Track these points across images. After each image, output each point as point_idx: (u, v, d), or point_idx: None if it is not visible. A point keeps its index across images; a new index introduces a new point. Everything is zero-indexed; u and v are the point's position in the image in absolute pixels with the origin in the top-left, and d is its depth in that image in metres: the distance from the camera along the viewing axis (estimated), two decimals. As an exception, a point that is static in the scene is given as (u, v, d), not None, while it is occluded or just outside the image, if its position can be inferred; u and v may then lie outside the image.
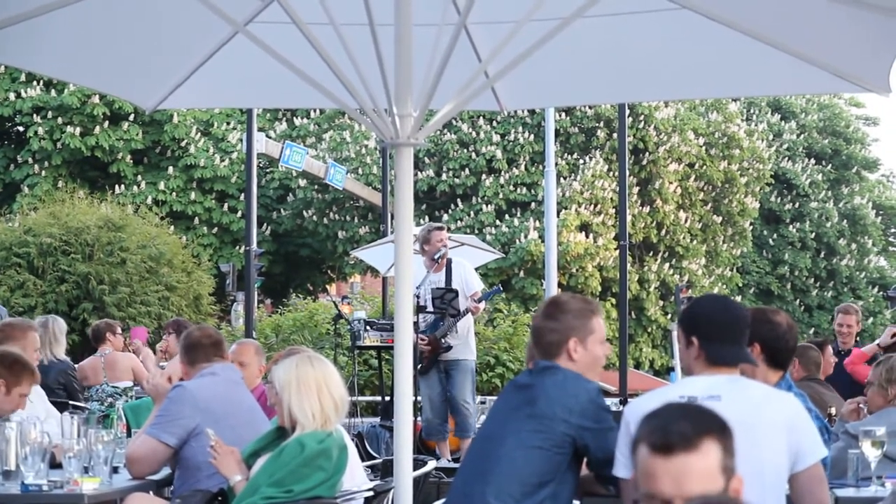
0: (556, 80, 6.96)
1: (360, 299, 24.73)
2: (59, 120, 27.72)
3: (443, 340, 11.88)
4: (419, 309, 11.69)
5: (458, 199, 29.42)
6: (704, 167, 30.86)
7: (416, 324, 11.44)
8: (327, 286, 33.83)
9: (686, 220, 30.62)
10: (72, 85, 26.55)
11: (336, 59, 5.55)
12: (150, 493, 6.38)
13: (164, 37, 6.53)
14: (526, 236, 28.05)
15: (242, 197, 25.37)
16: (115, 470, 6.15)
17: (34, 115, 27.84)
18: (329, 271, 33.30)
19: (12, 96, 27.76)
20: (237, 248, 28.16)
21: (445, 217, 28.14)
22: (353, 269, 30.52)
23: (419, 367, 11.99)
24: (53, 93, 27.71)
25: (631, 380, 18.93)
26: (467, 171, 29.37)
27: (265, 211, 29.77)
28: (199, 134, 29.07)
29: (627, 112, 21.41)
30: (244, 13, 6.17)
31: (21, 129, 28.93)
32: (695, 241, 30.97)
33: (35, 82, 27.70)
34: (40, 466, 5.77)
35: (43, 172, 28.09)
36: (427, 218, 27.73)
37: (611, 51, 6.64)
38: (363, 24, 5.54)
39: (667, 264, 30.29)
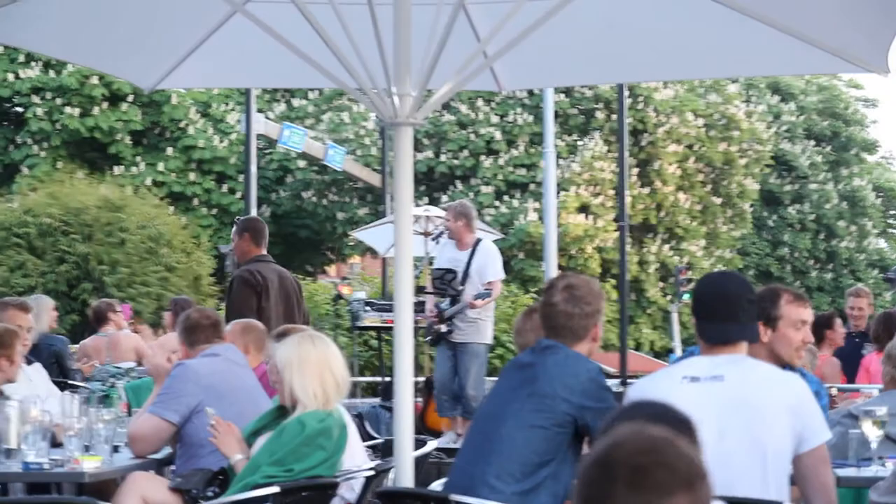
0: (555, 61, 6.95)
1: (360, 280, 24.75)
2: (58, 101, 27.70)
3: (448, 320, 11.61)
4: (419, 289, 11.62)
5: (457, 181, 29.40)
6: (704, 148, 30.85)
7: (417, 303, 11.39)
8: (326, 267, 33.83)
9: (685, 202, 30.62)
10: (71, 66, 26.54)
11: (335, 39, 5.53)
12: (152, 472, 6.40)
13: (162, 16, 6.51)
14: (525, 217, 28.04)
15: (241, 178, 25.34)
16: (115, 449, 6.17)
17: (33, 96, 27.81)
18: (328, 252, 33.30)
19: (11, 77, 27.73)
20: (236, 229, 28.11)
21: (444, 198, 28.12)
22: (353, 249, 30.55)
23: (429, 338, 11.90)
24: (52, 73, 27.68)
25: (631, 361, 18.98)
26: (466, 152, 29.35)
27: (264, 192, 29.75)
28: (197, 115, 29.05)
29: (626, 93, 21.42)
30: (243, -7, 6.15)
31: (20, 109, 28.90)
32: (694, 223, 30.97)
33: (34, 63, 27.67)
34: (41, 445, 5.78)
35: (42, 153, 28.08)
36: (426, 199, 27.74)
37: (610, 31, 6.62)
38: (362, 3, 5.53)
39: (666, 246, 30.30)
